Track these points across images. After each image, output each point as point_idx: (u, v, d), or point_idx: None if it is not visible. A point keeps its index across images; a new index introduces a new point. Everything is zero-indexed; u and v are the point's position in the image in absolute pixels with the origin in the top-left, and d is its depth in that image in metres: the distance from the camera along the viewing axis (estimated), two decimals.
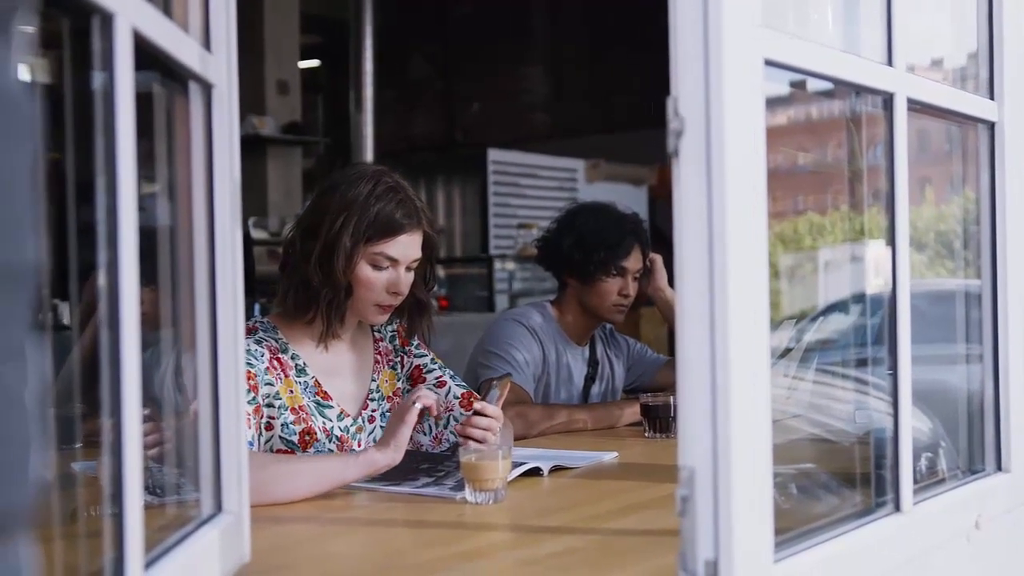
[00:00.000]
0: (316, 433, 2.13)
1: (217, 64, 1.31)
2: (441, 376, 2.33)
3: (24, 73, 0.60)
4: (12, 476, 0.54)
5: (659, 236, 5.13)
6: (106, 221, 0.96)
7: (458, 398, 2.29)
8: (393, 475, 2.00)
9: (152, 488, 1.37)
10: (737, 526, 1.12)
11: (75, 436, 1.68)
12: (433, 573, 1.45)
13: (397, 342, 2.35)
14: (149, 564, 1.06)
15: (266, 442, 2.08)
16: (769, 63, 1.20)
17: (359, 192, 2.11)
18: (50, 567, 1.00)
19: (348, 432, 2.19)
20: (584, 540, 1.59)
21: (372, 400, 2.27)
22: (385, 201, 2.11)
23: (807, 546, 1.28)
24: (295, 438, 2.10)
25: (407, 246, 2.14)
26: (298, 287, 2.14)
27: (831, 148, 1.99)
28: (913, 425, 1.51)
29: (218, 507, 1.33)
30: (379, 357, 2.31)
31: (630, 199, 6.15)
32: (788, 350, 1.92)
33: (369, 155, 8.62)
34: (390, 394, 2.30)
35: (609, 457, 2.27)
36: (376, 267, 2.13)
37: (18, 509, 0.55)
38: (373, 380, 2.28)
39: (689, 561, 1.14)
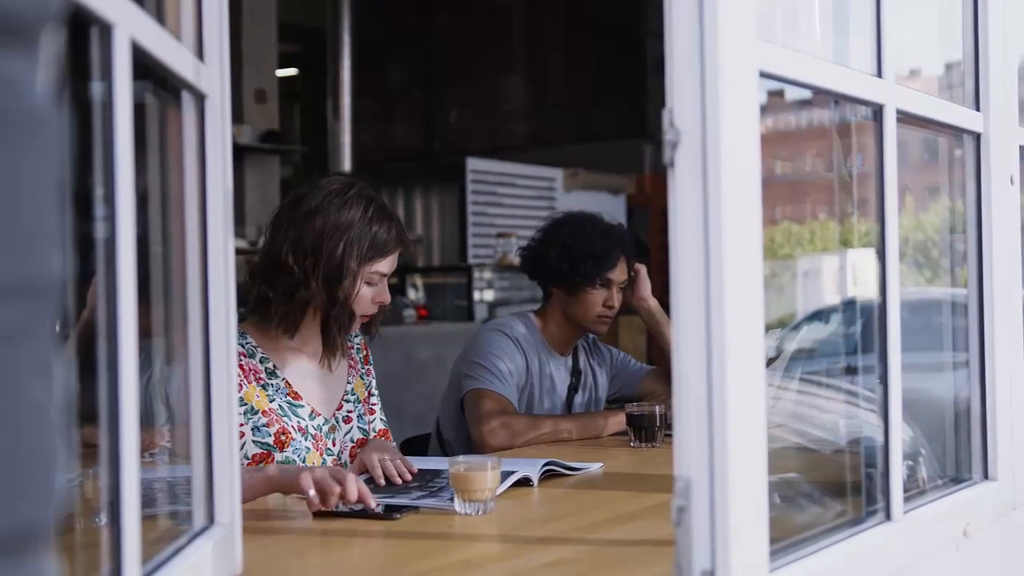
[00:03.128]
0: (291, 432, 2.17)
1: (210, 74, 1.31)
2: (375, 405, 2.43)
3: (50, 87, 0.60)
4: (39, 491, 0.54)
5: (637, 245, 5.15)
6: (105, 230, 0.95)
7: (375, 432, 2.36)
8: (387, 490, 1.99)
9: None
10: (734, 536, 1.12)
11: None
12: None
13: (361, 356, 2.43)
14: None
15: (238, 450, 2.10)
16: (764, 75, 1.21)
17: (353, 215, 2.18)
18: None
19: (321, 431, 2.24)
20: (576, 550, 1.59)
21: (348, 401, 2.33)
22: (378, 222, 2.21)
23: (802, 555, 1.29)
24: (270, 439, 2.13)
25: (394, 260, 2.26)
26: (299, 306, 2.18)
27: (808, 157, 2.01)
28: None
29: (211, 519, 1.32)
30: (352, 363, 2.39)
31: (608, 208, 6.14)
32: (771, 359, 1.93)
33: (347, 164, 8.61)
34: (363, 399, 2.38)
35: (596, 468, 2.27)
36: (370, 284, 2.22)
37: (44, 524, 0.54)
38: (348, 382, 2.34)
39: (685, 571, 1.14)
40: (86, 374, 0.98)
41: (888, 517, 1.47)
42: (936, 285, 2.02)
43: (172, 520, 1.35)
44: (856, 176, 1.76)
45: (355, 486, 1.76)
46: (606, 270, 2.88)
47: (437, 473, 2.12)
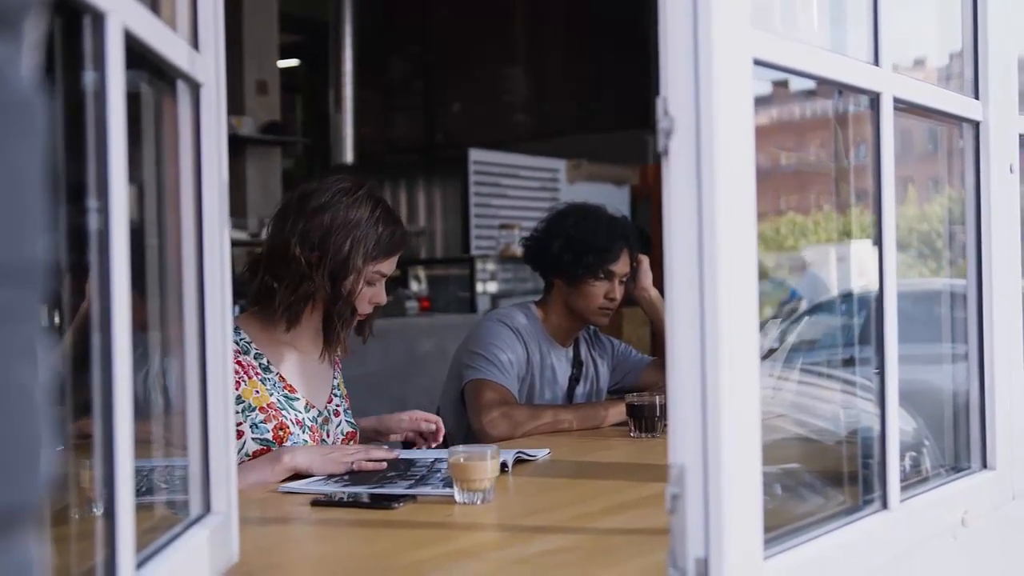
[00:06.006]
0: (289, 427, 2.19)
1: (205, 63, 1.31)
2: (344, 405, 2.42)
3: (34, 72, 0.60)
4: (24, 473, 0.54)
5: (641, 236, 5.14)
6: (98, 222, 0.95)
7: (344, 435, 2.35)
8: (376, 480, 1.99)
9: (138, 489, 1.36)
10: (728, 524, 1.12)
11: (58, 438, 1.67)
12: (423, 573, 1.44)
13: (339, 355, 2.44)
14: (140, 565, 1.05)
15: (239, 450, 2.11)
16: (758, 63, 1.21)
17: (361, 214, 2.20)
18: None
19: (316, 423, 2.27)
20: (573, 539, 1.59)
21: (336, 395, 2.37)
22: (384, 223, 2.23)
23: (797, 543, 1.29)
24: (269, 435, 2.15)
25: (395, 262, 2.29)
26: (302, 298, 2.20)
27: (812, 148, 2.00)
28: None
29: (207, 508, 1.32)
30: (337, 359, 2.42)
31: (612, 199, 6.16)
32: (772, 350, 1.93)
33: (349, 156, 8.60)
34: (344, 395, 2.41)
35: (543, 454, 2.28)
36: (369, 283, 2.24)
37: (29, 506, 0.55)
38: (335, 378, 2.38)
39: (679, 559, 1.14)
40: (85, 366, 0.99)
41: (884, 506, 1.47)
42: (938, 276, 2.01)
43: (169, 508, 1.35)
44: (856, 167, 1.76)
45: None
46: (608, 262, 2.88)
47: (412, 463, 2.13)
